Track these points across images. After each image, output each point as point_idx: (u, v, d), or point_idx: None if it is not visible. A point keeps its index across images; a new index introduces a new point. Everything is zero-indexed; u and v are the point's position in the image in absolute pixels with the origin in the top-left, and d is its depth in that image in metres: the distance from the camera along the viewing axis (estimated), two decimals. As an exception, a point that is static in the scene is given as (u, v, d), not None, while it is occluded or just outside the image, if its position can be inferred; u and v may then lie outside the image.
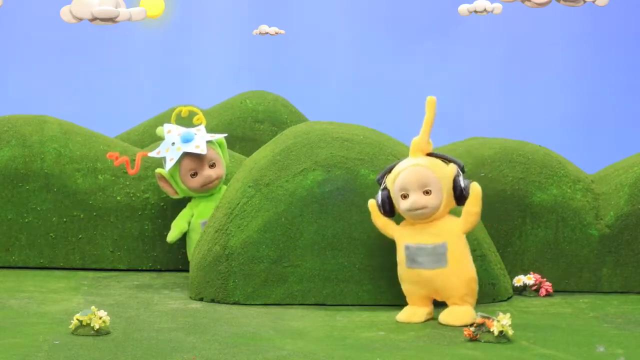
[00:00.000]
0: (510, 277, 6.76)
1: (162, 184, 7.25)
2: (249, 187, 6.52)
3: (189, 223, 7.24)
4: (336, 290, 6.28)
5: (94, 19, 7.98)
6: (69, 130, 7.78)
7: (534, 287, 6.71)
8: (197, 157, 7.16)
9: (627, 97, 12.64)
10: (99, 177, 7.59)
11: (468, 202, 5.85)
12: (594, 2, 7.69)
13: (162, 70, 12.84)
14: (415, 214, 5.84)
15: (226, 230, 6.43)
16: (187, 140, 7.15)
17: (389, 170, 5.99)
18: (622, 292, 6.84)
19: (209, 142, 7.23)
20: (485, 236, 6.60)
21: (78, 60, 12.73)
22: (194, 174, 7.20)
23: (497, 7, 9.68)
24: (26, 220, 7.49)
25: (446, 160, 5.92)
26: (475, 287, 5.92)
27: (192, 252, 6.87)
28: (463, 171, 5.90)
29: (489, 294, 6.42)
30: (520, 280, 6.73)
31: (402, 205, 5.87)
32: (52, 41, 12.55)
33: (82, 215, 7.52)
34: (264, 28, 12.13)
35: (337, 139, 6.59)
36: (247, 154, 8.06)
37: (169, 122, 7.49)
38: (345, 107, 11.90)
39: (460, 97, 12.43)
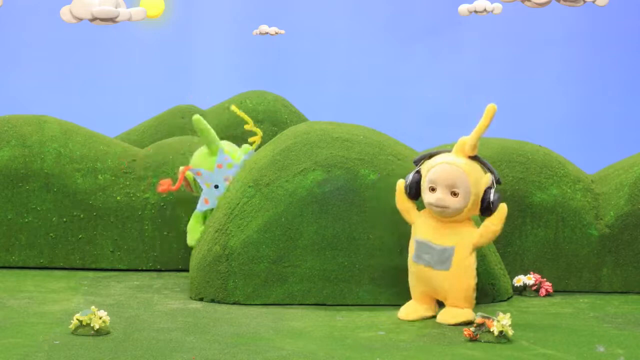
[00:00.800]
0: (510, 277, 6.76)
1: (184, 183, 7.19)
2: (249, 187, 6.52)
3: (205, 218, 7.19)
4: (336, 290, 6.28)
5: (94, 19, 7.98)
6: (69, 130, 7.78)
7: (534, 287, 6.71)
8: None
9: (627, 97, 12.63)
10: (99, 177, 7.59)
11: (491, 218, 5.84)
12: (594, 2, 7.70)
13: (162, 70, 12.82)
14: (437, 211, 5.86)
15: (226, 230, 6.42)
16: (222, 190, 7.11)
17: (429, 156, 5.99)
18: (622, 292, 6.84)
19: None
20: (485, 236, 6.60)
21: (78, 60, 12.71)
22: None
23: (497, 7, 9.68)
24: (26, 220, 7.48)
25: (485, 167, 5.91)
26: (473, 294, 5.92)
27: (192, 252, 6.88)
28: (498, 183, 5.89)
29: (489, 294, 6.42)
30: (520, 280, 6.73)
31: (427, 197, 5.89)
32: (52, 41, 12.53)
33: (82, 215, 7.51)
34: (264, 28, 12.13)
35: (337, 139, 6.58)
36: (247, 154, 8.05)
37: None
38: (345, 107, 11.89)
39: (460, 97, 12.42)
